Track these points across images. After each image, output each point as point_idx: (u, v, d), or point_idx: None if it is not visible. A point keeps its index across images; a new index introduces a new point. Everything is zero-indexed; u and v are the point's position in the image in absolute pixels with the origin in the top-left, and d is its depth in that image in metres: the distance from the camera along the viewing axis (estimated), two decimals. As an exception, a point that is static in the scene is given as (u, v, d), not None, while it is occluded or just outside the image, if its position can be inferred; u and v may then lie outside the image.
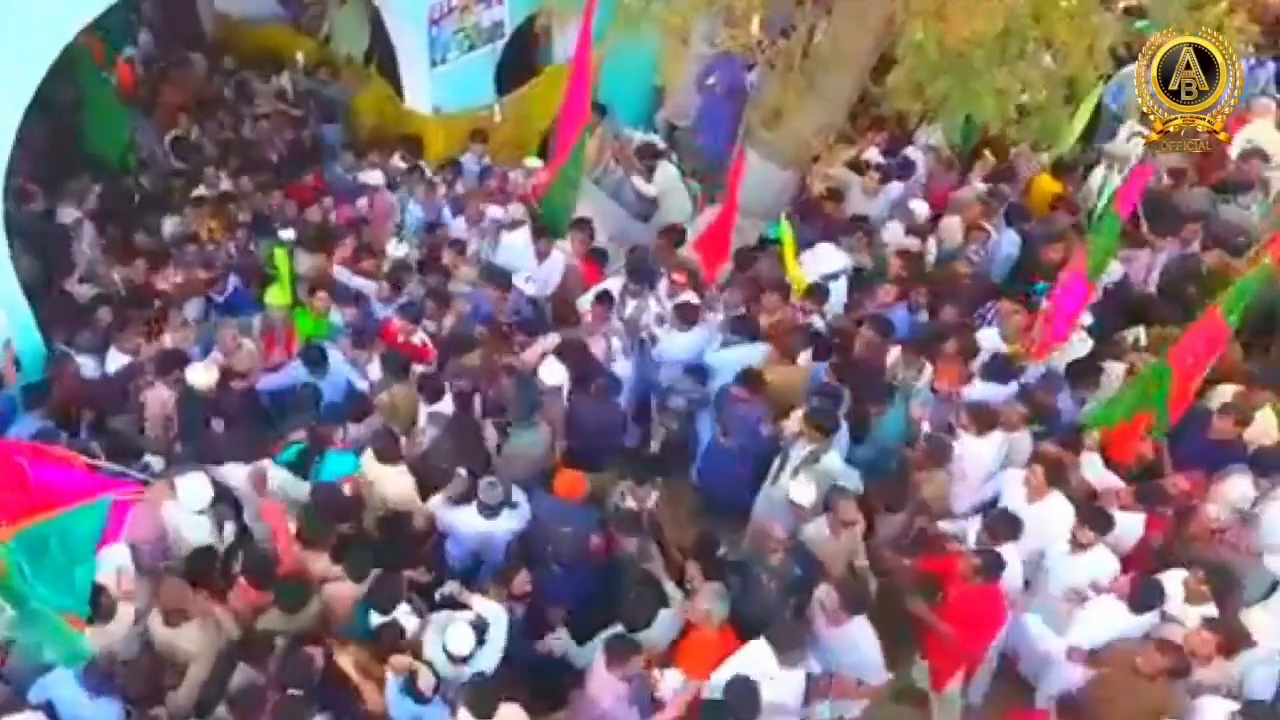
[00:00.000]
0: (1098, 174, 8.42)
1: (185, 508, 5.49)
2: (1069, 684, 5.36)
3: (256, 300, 7.29)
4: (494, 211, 8.08)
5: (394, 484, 5.85)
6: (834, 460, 5.89)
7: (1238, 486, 5.80)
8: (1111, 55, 6.92)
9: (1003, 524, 5.47)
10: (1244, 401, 6.21)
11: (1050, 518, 5.57)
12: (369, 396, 6.47)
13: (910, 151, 8.85)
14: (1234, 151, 8.43)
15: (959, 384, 6.33)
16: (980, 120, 7.03)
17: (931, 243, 7.92)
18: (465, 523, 5.69)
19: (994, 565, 5.21)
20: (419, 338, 6.88)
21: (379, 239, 8.08)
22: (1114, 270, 7.59)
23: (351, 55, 9.74)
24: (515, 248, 7.80)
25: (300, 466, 5.88)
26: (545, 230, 7.76)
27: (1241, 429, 6.08)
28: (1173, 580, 5.26)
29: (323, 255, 7.66)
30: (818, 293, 7.09)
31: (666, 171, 8.85)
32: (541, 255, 7.63)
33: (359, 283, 7.38)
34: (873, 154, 8.84)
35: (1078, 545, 5.42)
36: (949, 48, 6.49)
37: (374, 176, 8.62)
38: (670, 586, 5.39)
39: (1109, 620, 5.18)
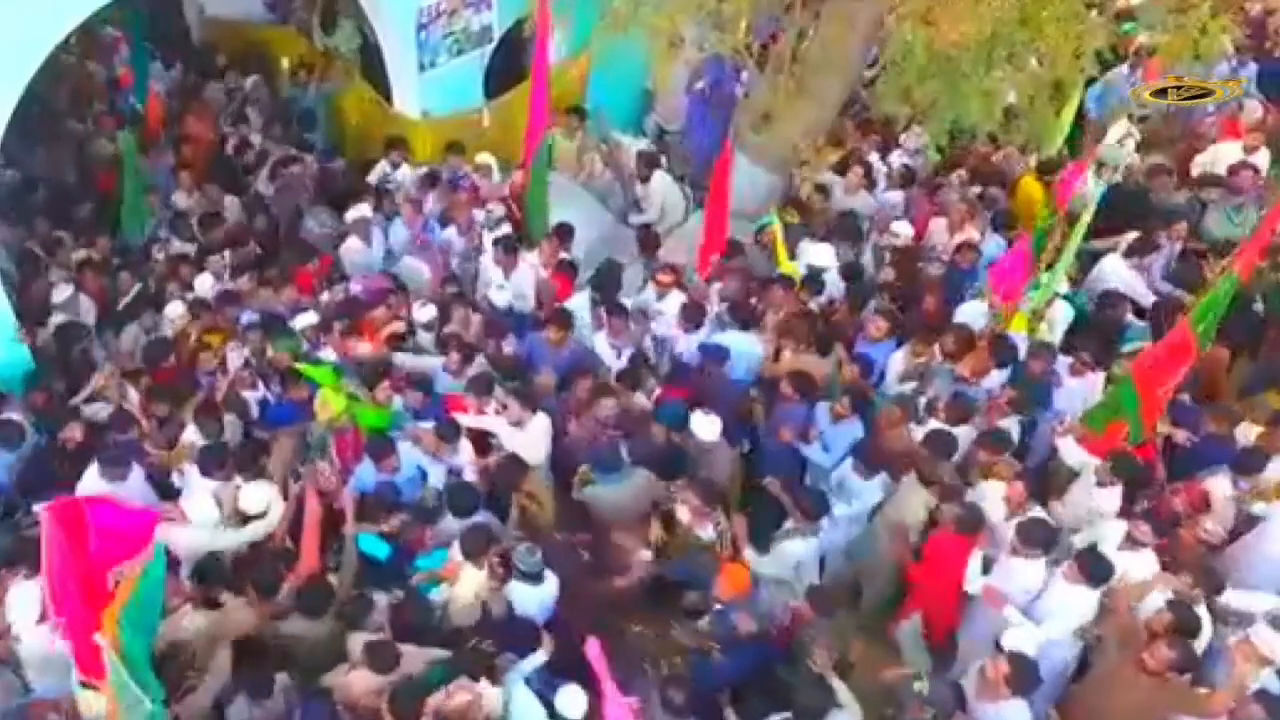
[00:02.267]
0: (1087, 177, 8.47)
1: (197, 524, 5.40)
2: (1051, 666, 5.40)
3: (298, 405, 6.35)
4: (475, 215, 8.11)
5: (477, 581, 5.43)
6: (803, 546, 5.70)
7: (1219, 487, 5.85)
8: (1097, 58, 6.98)
9: (1039, 531, 5.37)
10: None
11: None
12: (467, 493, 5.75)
13: (908, 160, 8.93)
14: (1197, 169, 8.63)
15: (983, 372, 6.41)
16: (967, 123, 7.07)
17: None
18: (518, 598, 5.35)
19: (974, 521, 5.41)
20: (493, 408, 6.24)
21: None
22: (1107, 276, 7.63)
23: (341, 52, 9.73)
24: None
25: (389, 567, 5.58)
26: (510, 243, 7.65)
27: (1232, 429, 6.15)
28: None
29: (362, 339, 6.88)
30: (813, 285, 7.23)
31: (663, 179, 8.86)
32: (508, 268, 7.54)
33: (426, 363, 6.76)
34: (873, 159, 8.89)
35: (1133, 543, 5.41)
36: (937, 51, 6.54)
37: (361, 210, 8.04)
38: (841, 689, 4.96)
39: (1071, 602, 5.23)
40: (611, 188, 9.23)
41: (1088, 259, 7.65)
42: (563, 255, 7.68)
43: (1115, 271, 7.53)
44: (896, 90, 7.24)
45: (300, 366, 6.30)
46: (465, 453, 6.08)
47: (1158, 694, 4.87)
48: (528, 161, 7.95)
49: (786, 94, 7.85)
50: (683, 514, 5.75)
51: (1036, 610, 5.34)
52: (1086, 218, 6.71)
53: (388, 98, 9.08)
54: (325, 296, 7.50)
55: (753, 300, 7.17)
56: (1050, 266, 6.84)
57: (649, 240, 7.92)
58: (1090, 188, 7.52)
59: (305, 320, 6.91)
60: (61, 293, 7.52)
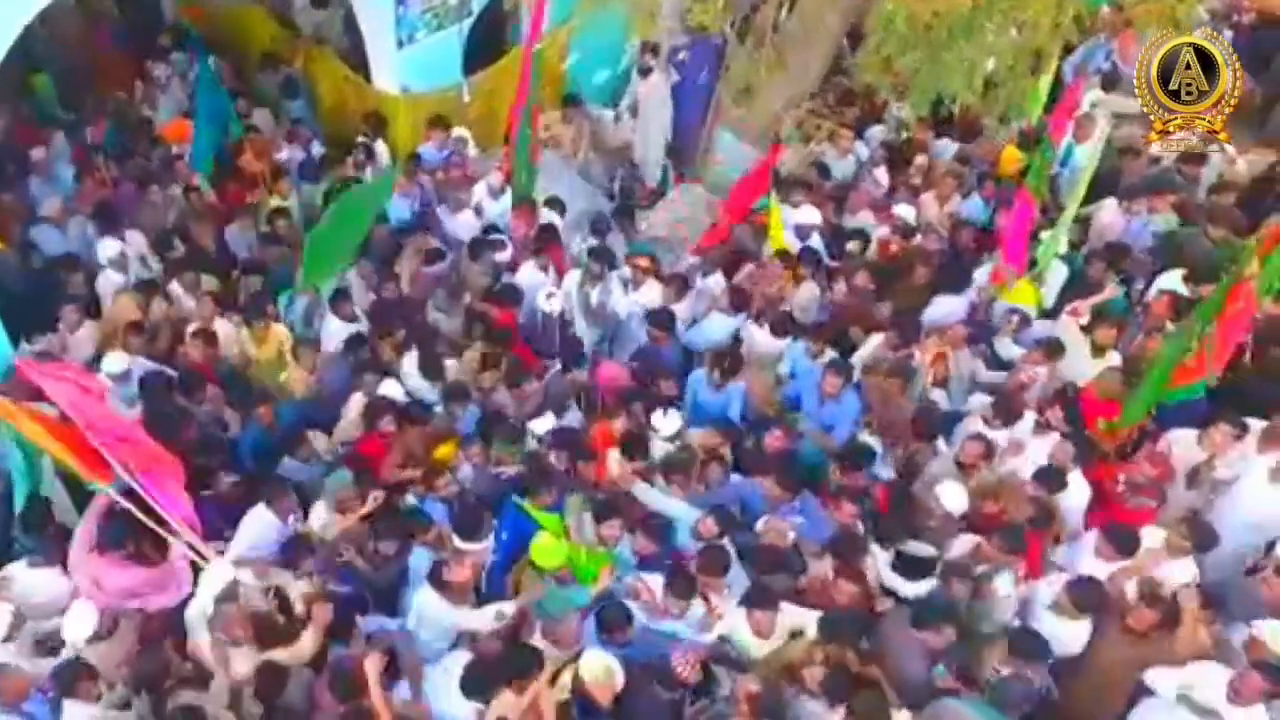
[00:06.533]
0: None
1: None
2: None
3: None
4: (477, 190, 8.10)
5: None
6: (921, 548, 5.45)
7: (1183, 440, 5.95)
8: (1077, 26, 7.01)
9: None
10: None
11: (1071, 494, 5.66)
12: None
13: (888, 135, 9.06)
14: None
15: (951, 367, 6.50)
16: (949, 94, 7.09)
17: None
18: None
19: (1044, 518, 5.53)
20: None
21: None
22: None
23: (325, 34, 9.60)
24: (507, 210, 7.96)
25: None
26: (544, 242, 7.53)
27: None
28: (1153, 536, 5.39)
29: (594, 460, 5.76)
30: (810, 256, 7.33)
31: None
32: (513, 269, 7.44)
33: (670, 506, 5.56)
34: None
35: (1042, 427, 5.81)
36: (918, 21, 6.55)
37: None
38: None
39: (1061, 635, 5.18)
40: (592, 163, 9.22)
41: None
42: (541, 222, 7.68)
43: (1107, 211, 7.69)
44: (878, 61, 7.26)
45: (525, 505, 5.38)
46: (697, 616, 4.90)
47: (1140, 651, 5.00)
48: (511, 133, 7.93)
49: (767, 66, 7.85)
50: None
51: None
52: (1084, 184, 6.80)
53: (366, 75, 9.00)
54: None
55: (734, 278, 7.27)
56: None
57: (627, 209, 8.02)
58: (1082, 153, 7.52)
59: (544, 425, 5.95)
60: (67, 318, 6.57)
